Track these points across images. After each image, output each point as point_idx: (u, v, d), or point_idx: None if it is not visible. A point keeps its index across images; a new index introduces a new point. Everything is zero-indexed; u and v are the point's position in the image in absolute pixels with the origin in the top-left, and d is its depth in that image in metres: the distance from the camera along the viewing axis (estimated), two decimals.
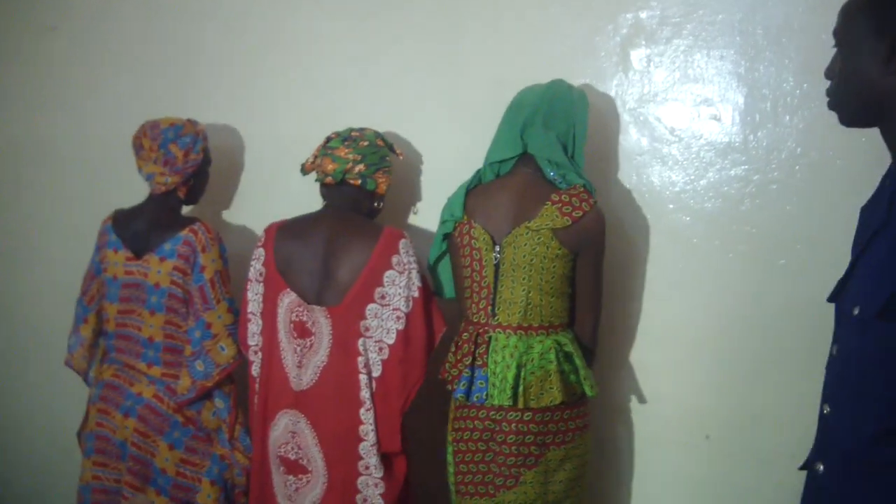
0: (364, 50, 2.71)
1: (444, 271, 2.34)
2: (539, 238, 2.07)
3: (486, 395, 2.07)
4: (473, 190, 2.22)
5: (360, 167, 2.22)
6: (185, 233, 2.37)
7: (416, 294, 2.14)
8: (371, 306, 2.13)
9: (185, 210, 2.58)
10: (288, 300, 2.20)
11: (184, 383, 2.34)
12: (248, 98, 2.84)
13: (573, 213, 2.06)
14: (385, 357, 2.12)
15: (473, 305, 2.17)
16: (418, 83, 2.64)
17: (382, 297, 2.12)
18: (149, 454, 2.36)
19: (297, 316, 2.18)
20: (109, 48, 3.02)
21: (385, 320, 2.12)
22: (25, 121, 3.14)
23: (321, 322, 2.16)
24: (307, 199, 2.35)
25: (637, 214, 2.45)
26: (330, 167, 2.22)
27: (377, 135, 2.31)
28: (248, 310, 2.29)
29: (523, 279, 2.09)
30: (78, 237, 2.85)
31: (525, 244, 2.08)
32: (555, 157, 2.13)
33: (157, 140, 2.40)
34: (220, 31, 2.88)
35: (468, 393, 2.10)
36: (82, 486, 2.45)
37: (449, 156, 2.53)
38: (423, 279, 2.16)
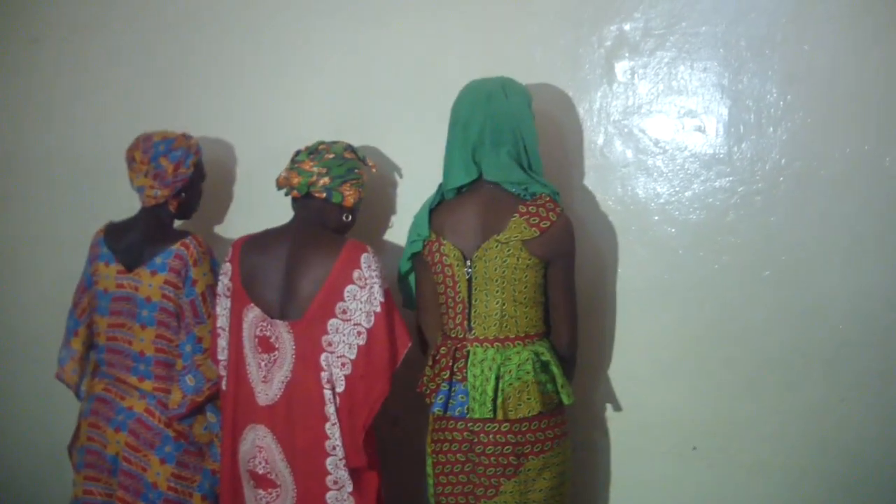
0: (351, 62, 2.71)
1: (408, 285, 2.36)
2: (509, 250, 2.09)
3: (468, 408, 2.10)
4: (438, 207, 2.23)
5: (325, 180, 2.22)
6: (176, 246, 2.37)
7: (378, 309, 2.11)
8: (332, 321, 2.12)
9: (178, 224, 2.57)
10: (252, 315, 2.20)
11: (175, 398, 2.34)
12: (240, 111, 2.84)
13: (541, 224, 2.09)
14: (348, 372, 2.11)
15: (450, 321, 2.19)
16: (400, 93, 2.66)
17: (344, 312, 2.11)
18: (140, 469, 2.36)
19: (261, 330, 2.19)
20: (96, 60, 3.02)
21: (346, 335, 2.11)
22: (10, 133, 3.14)
23: (284, 337, 2.16)
24: None
25: (623, 226, 2.47)
26: (295, 180, 2.22)
27: (347, 147, 2.30)
28: (218, 324, 2.30)
29: (497, 291, 2.11)
30: (66, 249, 2.86)
31: (496, 257, 2.10)
32: (511, 177, 2.14)
33: (148, 153, 2.40)
34: (209, 43, 2.88)
35: (446, 406, 2.12)
36: (74, 501, 2.46)
37: (428, 168, 2.47)
38: (386, 294, 2.14)
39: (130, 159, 2.43)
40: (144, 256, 2.40)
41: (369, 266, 2.13)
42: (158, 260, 2.37)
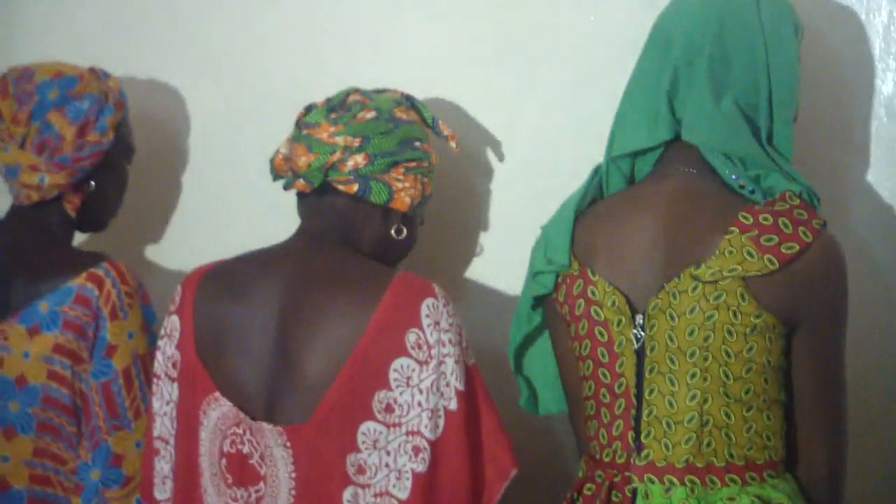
0: None
1: (537, 364, 1.78)
2: (718, 296, 1.54)
3: None
4: (588, 212, 1.67)
5: (359, 159, 1.60)
6: (78, 281, 1.76)
7: (454, 406, 1.55)
8: (367, 426, 1.55)
9: (81, 239, 1.96)
10: (217, 413, 1.64)
11: None
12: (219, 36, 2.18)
13: (781, 248, 1.52)
14: None
15: (602, 430, 1.64)
16: (477, 31, 2.02)
17: (388, 410, 1.56)
18: None
19: (232, 444, 1.63)
20: None
21: (394, 455, 1.57)
22: None
23: (276, 455, 1.61)
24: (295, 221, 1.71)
25: None
26: (302, 160, 1.61)
27: (400, 102, 1.70)
28: (154, 433, 1.73)
29: (692, 376, 1.57)
30: None
31: (692, 309, 1.55)
32: (736, 147, 1.58)
33: (27, 103, 1.82)
34: None
35: None
36: None
37: (527, 148, 1.94)
38: (470, 375, 1.57)
39: None
40: (16, 299, 1.77)
41: (438, 322, 1.56)
42: (43, 306, 1.75)
